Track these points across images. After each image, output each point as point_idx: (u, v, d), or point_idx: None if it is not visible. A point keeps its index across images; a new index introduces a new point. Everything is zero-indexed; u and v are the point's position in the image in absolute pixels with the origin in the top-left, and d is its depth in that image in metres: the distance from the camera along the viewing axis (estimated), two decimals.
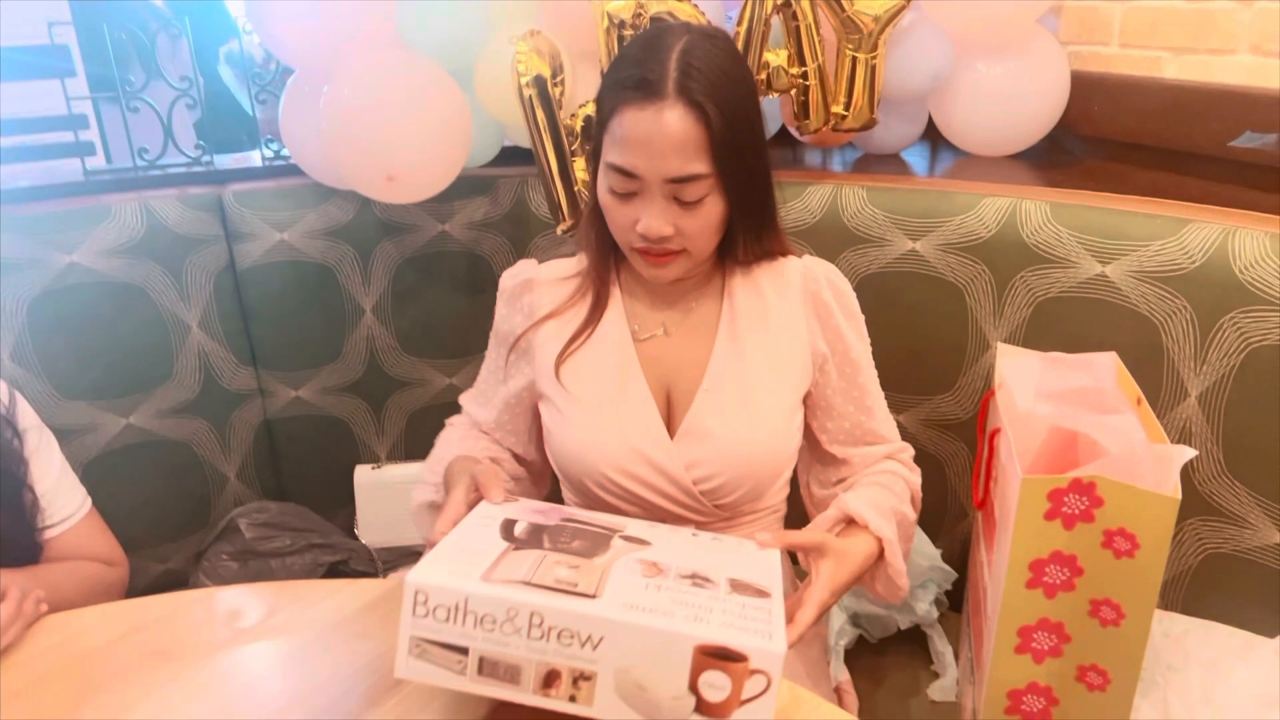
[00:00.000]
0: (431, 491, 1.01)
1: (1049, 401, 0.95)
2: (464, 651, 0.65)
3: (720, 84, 0.88)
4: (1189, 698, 1.04)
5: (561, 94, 1.21)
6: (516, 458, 1.09)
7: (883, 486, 0.99)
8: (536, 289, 1.04)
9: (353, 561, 1.48)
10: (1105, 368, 0.99)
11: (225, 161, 1.58)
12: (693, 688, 0.63)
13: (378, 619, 0.90)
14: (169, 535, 1.46)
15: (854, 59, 1.34)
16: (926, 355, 1.30)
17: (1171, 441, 1.10)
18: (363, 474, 1.55)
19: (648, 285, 1.03)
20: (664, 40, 0.91)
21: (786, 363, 1.01)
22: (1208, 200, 1.16)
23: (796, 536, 0.88)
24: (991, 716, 0.97)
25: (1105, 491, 0.85)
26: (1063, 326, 1.19)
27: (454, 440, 1.06)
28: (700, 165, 0.88)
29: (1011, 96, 1.44)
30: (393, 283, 1.51)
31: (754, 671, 0.63)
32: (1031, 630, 0.92)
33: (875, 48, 1.33)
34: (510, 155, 1.54)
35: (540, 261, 1.07)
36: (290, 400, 1.54)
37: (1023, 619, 0.92)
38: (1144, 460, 0.85)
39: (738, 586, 0.72)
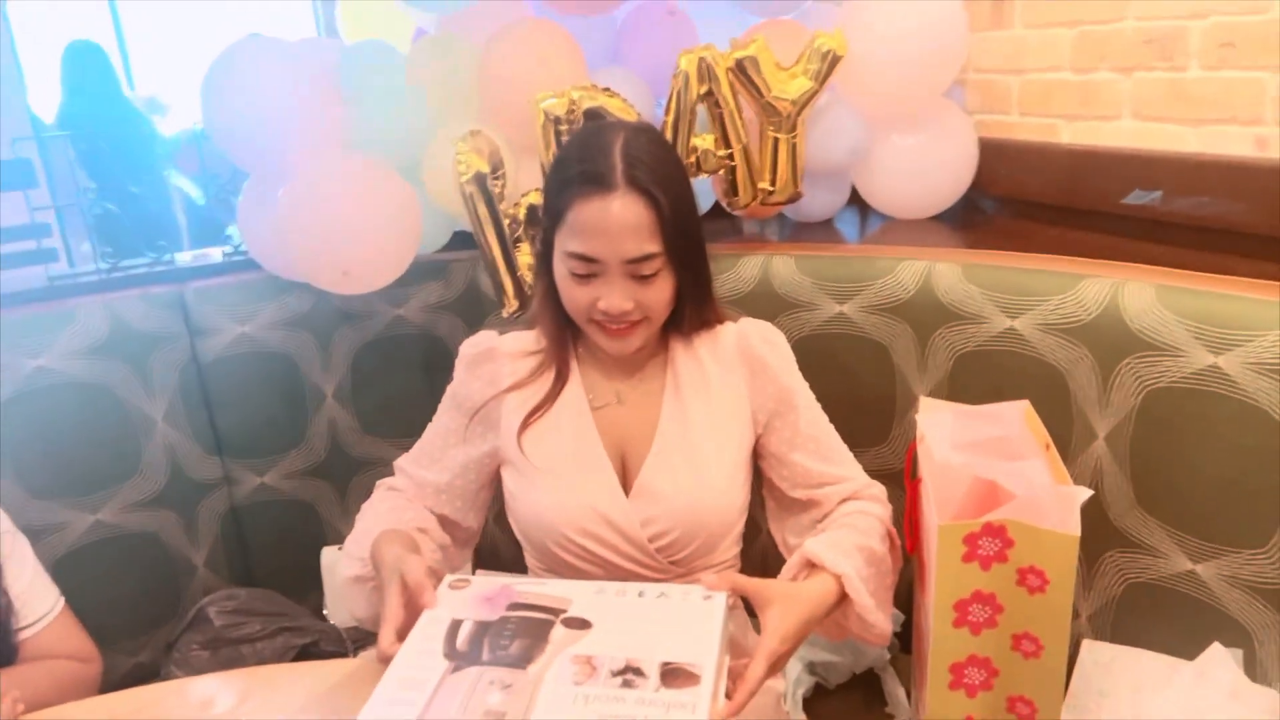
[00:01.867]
0: (358, 566, 1.02)
1: (964, 451, 1.03)
2: None
3: (661, 170, 0.99)
4: None
5: (502, 187, 1.29)
6: (445, 523, 1.12)
7: (847, 526, 1.05)
8: (498, 359, 1.11)
9: (323, 642, 1.51)
10: (1014, 416, 1.07)
11: (185, 259, 1.64)
12: None
13: (347, 698, 0.94)
14: (139, 628, 1.48)
15: (776, 139, 1.44)
16: (860, 410, 1.38)
17: (1086, 479, 1.19)
18: (329, 555, 1.59)
19: (602, 358, 1.11)
20: (603, 138, 1.01)
21: (727, 423, 1.09)
22: (1103, 253, 1.27)
23: (742, 581, 0.92)
24: None
25: (1015, 533, 0.92)
26: (981, 378, 1.28)
27: (381, 513, 1.08)
28: (653, 244, 0.98)
29: (925, 164, 1.56)
30: (352, 367, 1.57)
31: None
32: (962, 667, 0.99)
33: (794, 128, 1.43)
34: (462, 239, 1.61)
35: (500, 333, 1.14)
36: (256, 487, 1.58)
37: (953, 656, 0.98)
38: (1048, 502, 0.93)
39: (668, 675, 0.77)
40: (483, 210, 1.26)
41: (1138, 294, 1.14)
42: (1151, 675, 1.13)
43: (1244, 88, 1.21)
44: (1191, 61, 1.27)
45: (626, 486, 1.07)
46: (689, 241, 1.02)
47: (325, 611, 1.59)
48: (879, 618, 1.00)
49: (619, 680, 0.77)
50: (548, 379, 1.10)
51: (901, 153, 1.55)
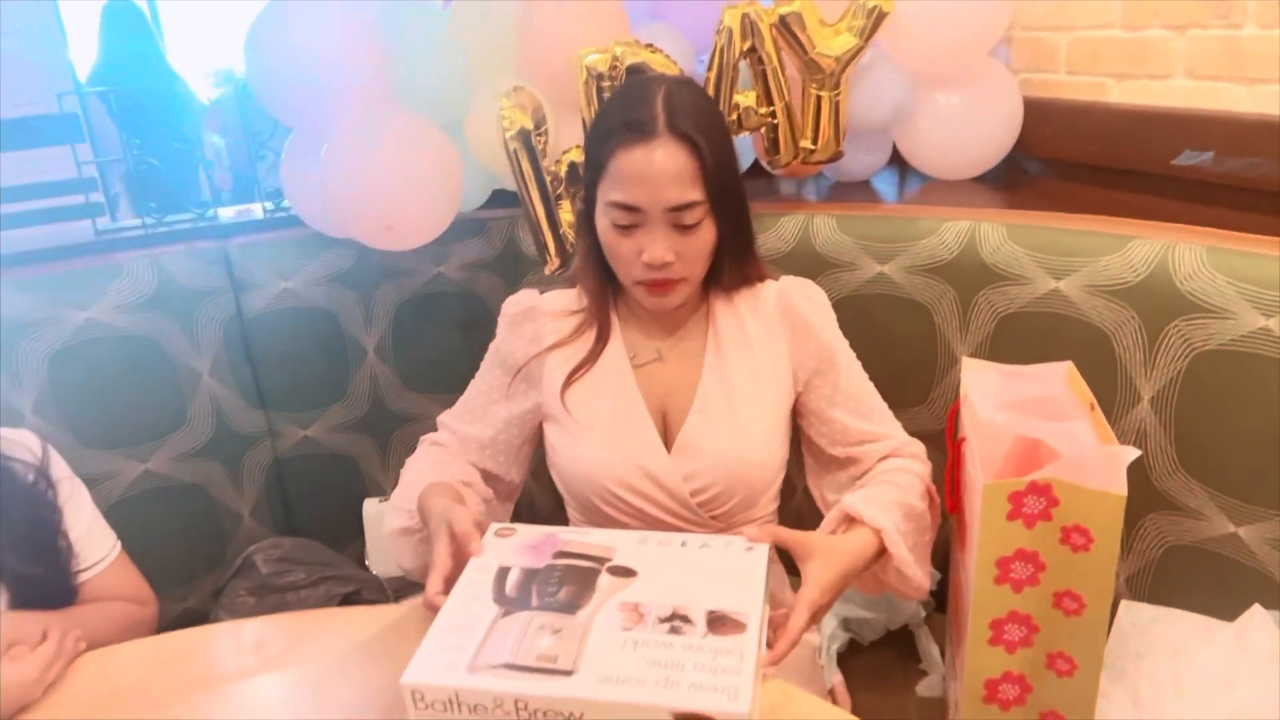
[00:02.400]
0: (405, 518, 1.05)
1: (1007, 411, 1.03)
2: None
3: (703, 120, 0.99)
4: (1158, 682, 1.11)
5: (545, 144, 1.29)
6: (488, 477, 1.14)
7: (886, 483, 1.06)
8: (540, 318, 1.13)
9: (365, 591, 1.55)
10: (1057, 377, 1.07)
11: (228, 215, 1.66)
12: None
13: (390, 643, 0.96)
14: (188, 575, 1.52)
15: (819, 97, 1.43)
16: (900, 371, 1.38)
17: (1129, 442, 1.19)
18: (371, 507, 1.62)
19: (642, 316, 1.12)
20: (646, 88, 1.02)
21: (768, 380, 1.11)
22: (1151, 215, 1.25)
23: (783, 533, 0.93)
24: (970, 706, 1.04)
25: (1060, 492, 0.92)
26: (1024, 339, 1.27)
27: (425, 467, 1.10)
28: (695, 193, 0.99)
29: (968, 124, 1.54)
30: (393, 323, 1.59)
31: None
32: (1002, 623, 1.00)
33: (838, 86, 1.42)
34: (501, 198, 1.62)
35: (541, 292, 1.16)
36: (299, 440, 1.61)
37: (993, 613, 0.99)
38: (1094, 461, 0.93)
39: (715, 622, 0.78)
40: (526, 166, 1.26)
41: (1187, 255, 1.13)
42: (1190, 636, 1.13)
43: None
44: (1248, 20, 1.24)
45: (668, 442, 1.08)
46: (730, 192, 1.03)
47: (367, 562, 1.63)
48: (916, 572, 1.02)
49: (666, 626, 0.78)
50: (589, 337, 1.12)
51: (945, 112, 1.53)
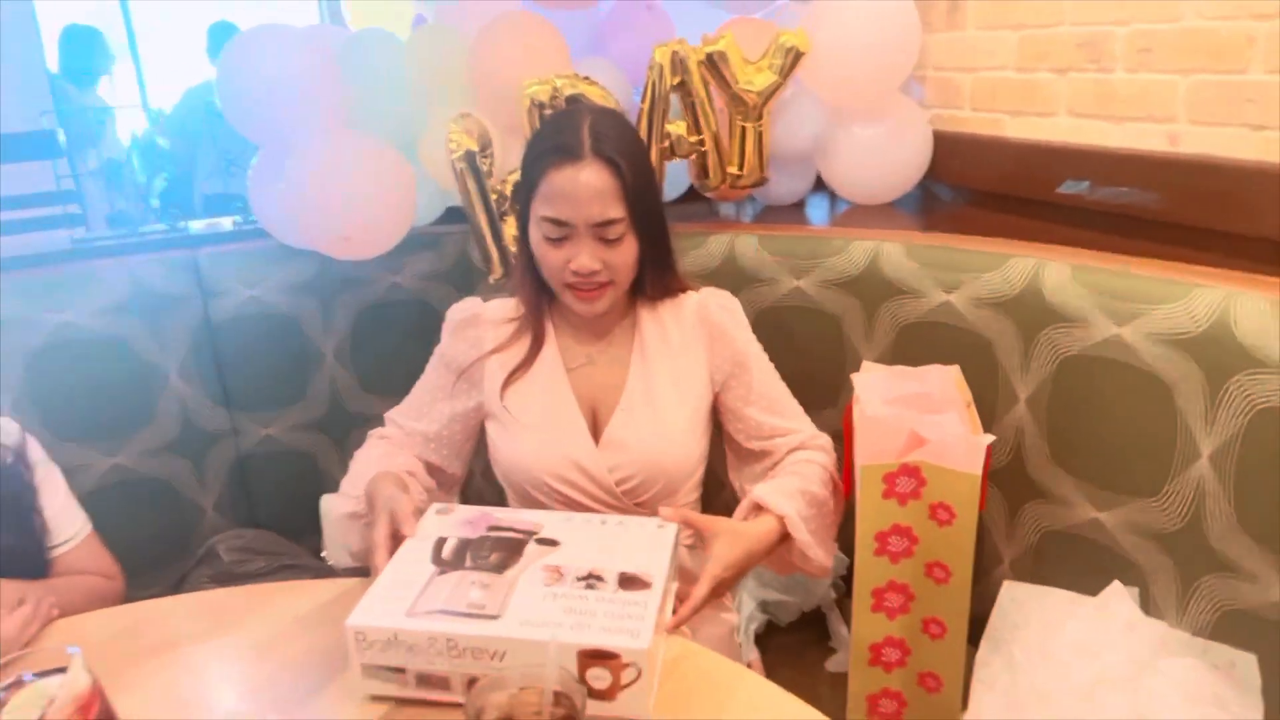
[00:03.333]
0: (353, 504, 1.15)
1: (892, 406, 1.17)
2: (403, 670, 0.85)
3: (625, 145, 1.12)
4: (1030, 651, 1.24)
5: (490, 165, 1.42)
6: (432, 469, 1.25)
7: (793, 473, 1.19)
8: (481, 325, 1.25)
9: (322, 579, 1.65)
10: (940, 378, 1.21)
11: (198, 227, 1.77)
12: (582, 680, 0.81)
13: (335, 611, 1.04)
14: (154, 563, 1.62)
15: (743, 127, 1.57)
16: (813, 376, 1.52)
17: (1007, 439, 1.33)
18: (328, 502, 1.71)
19: (575, 323, 1.24)
20: (573, 117, 1.15)
21: (688, 382, 1.23)
22: (1039, 237, 1.40)
23: (693, 516, 1.06)
24: (858, 670, 1.17)
25: (927, 473, 1.06)
26: (920, 347, 1.41)
27: (373, 458, 1.21)
28: (616, 210, 1.11)
29: (882, 153, 1.69)
30: (352, 330, 1.71)
31: (627, 664, 0.81)
32: (883, 592, 1.13)
33: (760, 117, 1.56)
34: (454, 214, 1.75)
35: (485, 300, 1.28)
36: (261, 438, 1.71)
37: (874, 582, 1.12)
38: (957, 447, 1.06)
39: (625, 581, 0.90)
40: (472, 185, 1.39)
41: (1056, 272, 1.27)
42: (1059, 610, 1.26)
43: (1159, 89, 1.34)
44: (1117, 64, 1.40)
45: (597, 437, 1.20)
46: (649, 210, 1.15)
47: (323, 554, 1.72)
48: (818, 553, 1.14)
49: (583, 584, 0.90)
50: (526, 342, 1.24)
51: (861, 142, 1.68)
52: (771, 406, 1.26)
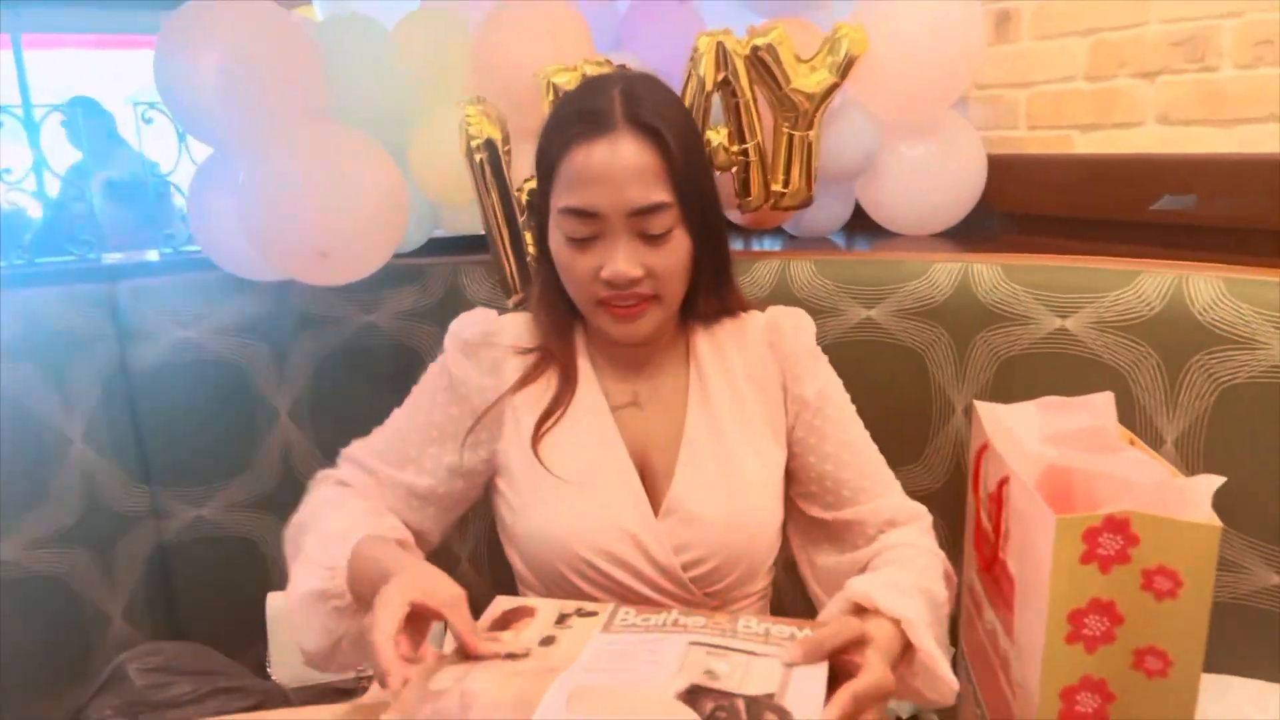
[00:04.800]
0: (323, 577, 0.82)
1: (1057, 445, 0.92)
2: None
3: (665, 110, 0.86)
4: None
5: (509, 164, 1.15)
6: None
7: (900, 564, 0.89)
8: (499, 348, 0.95)
9: (266, 705, 1.27)
10: (1104, 408, 0.97)
11: (115, 259, 1.43)
12: None
13: None
14: (42, 691, 1.22)
15: (790, 136, 1.35)
16: (891, 424, 1.26)
17: None
18: (276, 602, 1.36)
19: (612, 355, 0.96)
20: (601, 82, 0.89)
21: (760, 425, 0.95)
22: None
23: (835, 635, 0.72)
24: None
25: (1140, 527, 0.80)
26: (1025, 384, 1.18)
27: (358, 512, 0.89)
28: (662, 193, 0.84)
29: (934, 175, 1.49)
30: (312, 382, 1.37)
31: None
32: (1074, 692, 0.85)
33: (811, 125, 1.34)
34: (438, 245, 1.46)
35: (499, 313, 0.99)
36: (190, 521, 1.35)
37: (1064, 680, 0.85)
38: (1174, 494, 0.82)
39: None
40: (491, 179, 1.11)
41: (1202, 286, 1.07)
42: (1243, 706, 1.01)
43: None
44: (1224, 61, 1.24)
45: (653, 503, 0.91)
46: (703, 196, 0.89)
47: (269, 669, 1.35)
48: (946, 669, 0.82)
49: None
50: (552, 378, 0.95)
51: (910, 163, 1.48)
52: (855, 463, 0.97)
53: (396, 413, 0.98)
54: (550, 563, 0.90)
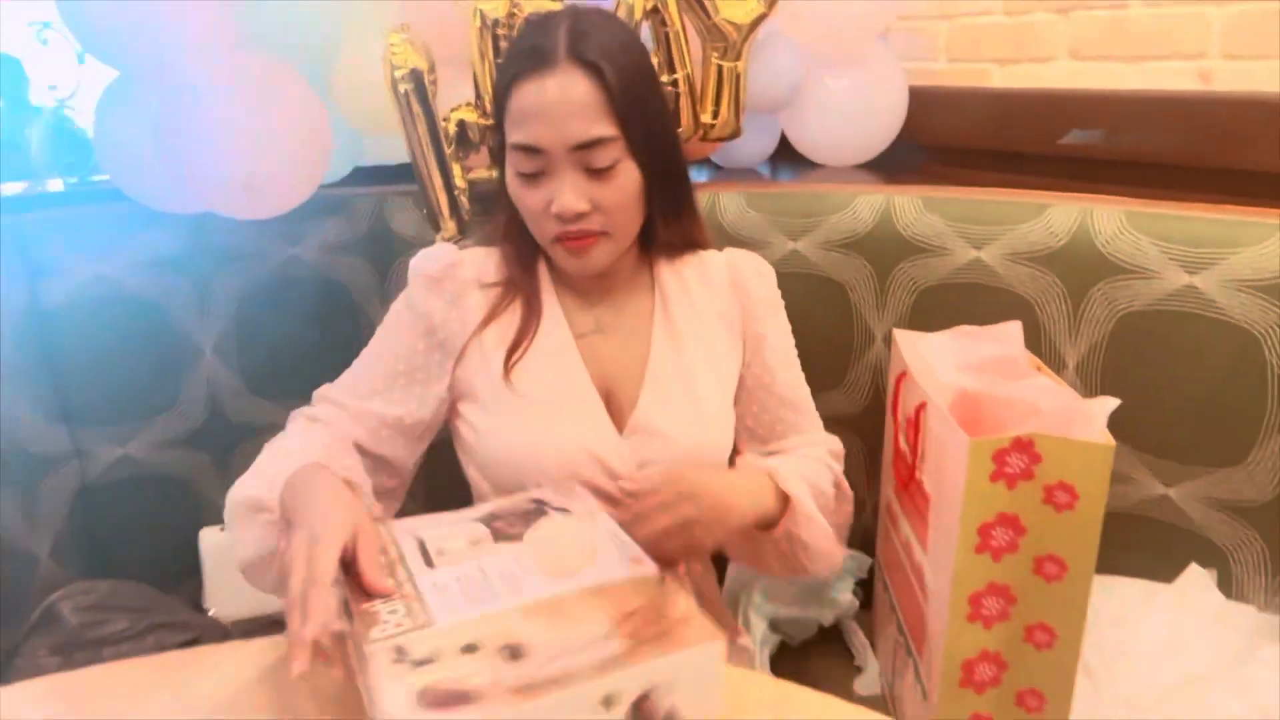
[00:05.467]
0: (262, 487, 0.81)
1: (971, 373, 0.98)
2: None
3: (612, 46, 0.88)
4: (1108, 653, 1.08)
5: (435, 94, 1.13)
6: (381, 466, 0.95)
7: (799, 459, 1.00)
8: (461, 281, 0.96)
9: (205, 639, 1.28)
10: (1013, 337, 1.03)
11: (12, 190, 1.36)
12: None
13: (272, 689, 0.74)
14: None
15: (720, 68, 1.35)
16: (815, 352, 1.31)
17: None
18: (210, 537, 1.35)
19: (575, 285, 0.99)
20: (551, 17, 0.91)
21: (721, 356, 1.01)
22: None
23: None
24: (947, 693, 0.96)
25: (1043, 447, 0.87)
26: (943, 313, 1.23)
27: (317, 440, 0.88)
28: (604, 127, 0.86)
29: (859, 108, 1.51)
30: (236, 317, 1.34)
31: None
32: (981, 596, 0.93)
33: (739, 56, 1.35)
34: (362, 175, 1.43)
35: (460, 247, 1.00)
36: (115, 460, 1.32)
37: (973, 586, 0.92)
38: (1074, 416, 0.88)
39: None
40: (419, 112, 1.09)
41: (1108, 219, 1.13)
42: (1131, 603, 1.11)
43: (1187, 22, 1.23)
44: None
45: (618, 424, 0.95)
46: (653, 127, 0.90)
47: (205, 604, 1.35)
48: (830, 540, 0.94)
49: None
50: (516, 309, 0.97)
51: (835, 95, 1.50)
52: (792, 402, 1.05)
53: (364, 351, 0.98)
54: (514, 480, 0.92)
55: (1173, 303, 1.07)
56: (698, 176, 1.61)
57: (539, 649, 0.57)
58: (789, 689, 0.79)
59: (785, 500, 0.90)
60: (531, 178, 0.88)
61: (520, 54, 0.88)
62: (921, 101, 1.57)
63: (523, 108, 0.86)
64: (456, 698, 0.52)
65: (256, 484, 0.82)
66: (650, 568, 0.66)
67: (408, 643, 0.57)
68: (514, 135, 0.87)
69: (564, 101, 0.84)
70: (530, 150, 0.86)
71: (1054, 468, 0.87)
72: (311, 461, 0.81)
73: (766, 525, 0.90)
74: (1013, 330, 1.04)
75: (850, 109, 1.51)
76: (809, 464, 1.00)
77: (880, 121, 1.54)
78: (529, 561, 0.67)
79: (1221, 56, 1.21)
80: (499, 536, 0.71)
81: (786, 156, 1.66)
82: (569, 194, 0.86)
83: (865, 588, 1.33)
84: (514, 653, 0.56)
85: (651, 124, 0.90)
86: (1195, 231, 1.07)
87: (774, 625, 1.27)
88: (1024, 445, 0.87)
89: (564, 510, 0.76)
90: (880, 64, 1.52)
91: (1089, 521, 0.88)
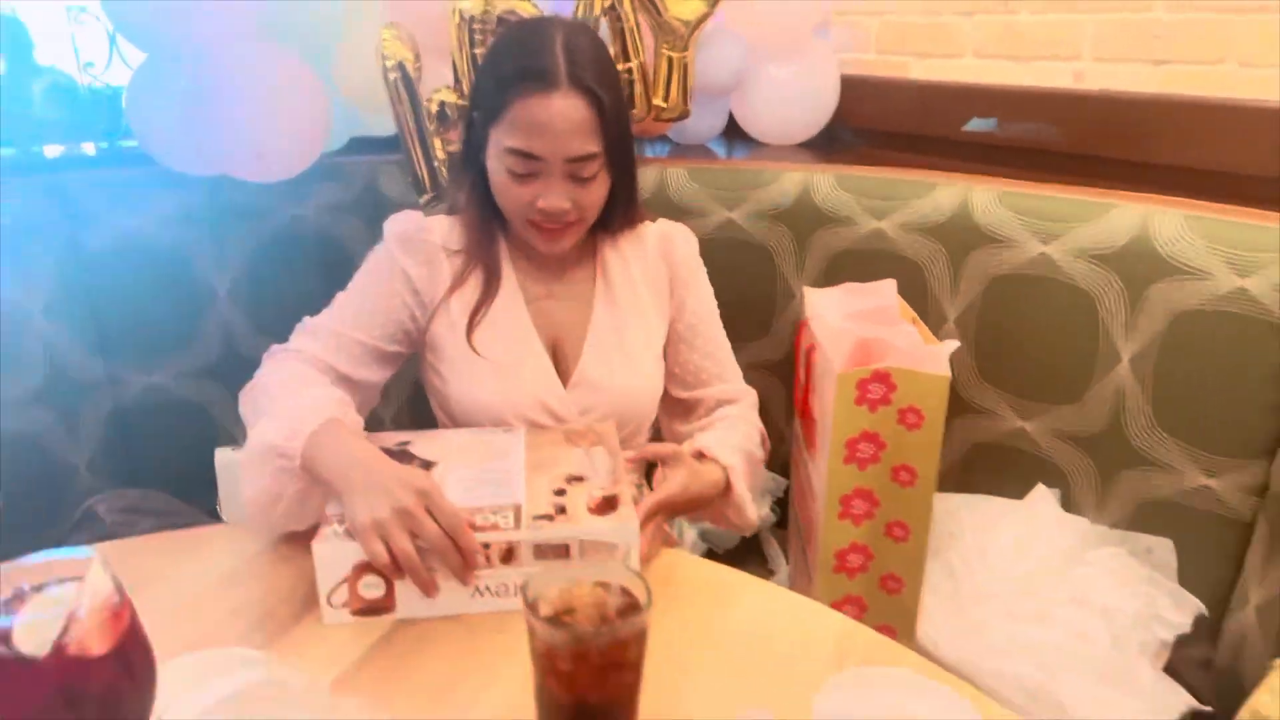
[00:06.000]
0: (284, 434, 0.91)
1: (851, 320, 1.20)
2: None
3: (603, 70, 1.02)
4: (968, 556, 1.31)
5: (419, 79, 1.33)
6: (358, 385, 1.09)
7: (731, 428, 1.13)
8: (432, 247, 1.11)
9: None
10: (888, 293, 1.25)
11: (54, 153, 1.56)
12: None
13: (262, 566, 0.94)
14: (17, 531, 1.42)
15: (670, 58, 1.55)
16: (746, 307, 1.53)
17: None
18: (224, 455, 1.57)
19: (531, 255, 1.14)
20: (543, 33, 1.02)
21: (652, 317, 1.17)
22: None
23: (654, 446, 1.01)
24: (824, 577, 1.20)
25: (898, 379, 1.09)
26: (850, 274, 1.45)
27: (331, 396, 0.99)
28: (594, 145, 1.01)
29: (798, 92, 1.72)
30: (247, 266, 1.56)
31: None
32: (850, 499, 1.16)
33: (687, 47, 1.55)
34: (358, 145, 1.63)
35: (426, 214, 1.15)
36: (144, 387, 1.54)
37: (842, 490, 1.15)
38: (923, 354, 1.11)
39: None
40: (406, 97, 1.30)
41: (984, 197, 1.35)
42: (990, 516, 1.35)
43: (1066, 28, 1.44)
44: (1023, 5, 1.49)
45: (563, 378, 1.12)
46: (624, 142, 1.06)
47: (219, 510, 1.58)
48: (751, 509, 1.07)
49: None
50: (478, 276, 1.12)
51: (777, 81, 1.71)
52: (714, 354, 1.20)
53: (348, 289, 1.12)
54: (476, 422, 1.10)
55: (1030, 268, 1.29)
56: (657, 151, 1.82)
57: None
58: (707, 563, 0.99)
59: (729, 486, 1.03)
60: (522, 177, 1.01)
61: (521, 70, 0.99)
62: (853, 89, 1.78)
63: (525, 120, 0.98)
64: None
65: (278, 430, 0.91)
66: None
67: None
68: (511, 141, 0.99)
69: (565, 121, 0.98)
70: (529, 156, 0.99)
71: (906, 395, 1.10)
72: (331, 418, 0.92)
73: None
74: (887, 286, 1.26)
75: (789, 94, 1.72)
76: (741, 432, 1.12)
77: (816, 106, 1.75)
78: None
79: (1092, 59, 1.42)
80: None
81: (737, 134, 1.87)
82: (557, 195, 1.01)
83: (782, 506, 1.56)
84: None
85: (625, 137, 1.06)
86: (1052, 209, 1.29)
87: (703, 535, 1.50)
88: (882, 376, 1.10)
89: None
90: (816, 54, 1.73)
91: (933, 438, 1.11)
